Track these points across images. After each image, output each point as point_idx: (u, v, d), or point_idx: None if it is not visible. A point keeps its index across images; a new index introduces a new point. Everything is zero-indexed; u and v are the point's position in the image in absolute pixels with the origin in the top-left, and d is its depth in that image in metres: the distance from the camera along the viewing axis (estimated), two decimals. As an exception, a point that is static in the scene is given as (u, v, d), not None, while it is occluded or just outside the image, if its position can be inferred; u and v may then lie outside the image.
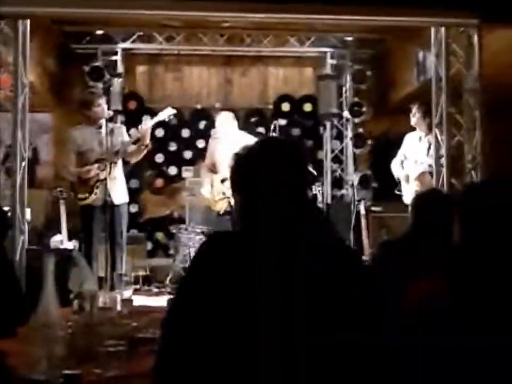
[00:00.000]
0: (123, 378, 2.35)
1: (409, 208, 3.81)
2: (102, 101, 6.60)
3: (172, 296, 2.14)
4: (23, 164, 6.05)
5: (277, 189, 1.97)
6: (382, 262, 3.57)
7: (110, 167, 6.34)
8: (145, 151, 6.54)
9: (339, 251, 2.02)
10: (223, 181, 6.92)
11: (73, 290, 5.47)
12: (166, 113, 6.68)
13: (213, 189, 7.20)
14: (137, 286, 7.43)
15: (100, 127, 6.44)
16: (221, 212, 7.15)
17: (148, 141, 6.47)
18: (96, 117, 6.48)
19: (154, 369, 1.92)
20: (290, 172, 2.01)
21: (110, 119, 7.11)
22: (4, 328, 2.88)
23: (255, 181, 1.98)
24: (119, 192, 6.59)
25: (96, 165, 6.43)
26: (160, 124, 9.10)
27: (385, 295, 2.06)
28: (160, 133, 9.22)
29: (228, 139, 7.10)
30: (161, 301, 6.14)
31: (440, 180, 6.22)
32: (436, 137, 6.28)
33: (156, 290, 7.51)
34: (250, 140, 6.92)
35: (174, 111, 6.79)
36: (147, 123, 6.67)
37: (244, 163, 2.03)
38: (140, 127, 6.64)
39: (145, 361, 2.50)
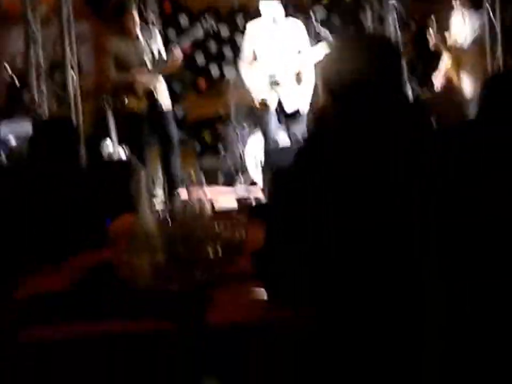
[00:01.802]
0: (225, 280, 2.43)
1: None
2: (134, 9, 6.58)
3: (272, 192, 2.18)
4: (74, 76, 6.03)
5: (377, 86, 1.98)
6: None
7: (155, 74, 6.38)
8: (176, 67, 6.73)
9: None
10: (273, 83, 6.58)
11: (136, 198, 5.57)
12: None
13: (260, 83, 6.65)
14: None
15: (137, 35, 6.46)
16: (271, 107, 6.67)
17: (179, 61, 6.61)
18: (130, 24, 6.49)
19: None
20: (388, 68, 2.01)
21: (146, 23, 7.17)
22: (95, 238, 2.97)
23: (354, 79, 1.98)
24: (164, 98, 6.67)
25: (142, 74, 6.46)
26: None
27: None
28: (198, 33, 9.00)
29: (273, 25, 6.56)
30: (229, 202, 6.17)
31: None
32: (489, 13, 6.10)
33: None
34: (301, 27, 6.69)
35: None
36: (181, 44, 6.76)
37: (340, 62, 2.02)
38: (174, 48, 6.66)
39: (239, 265, 2.57)
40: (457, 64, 6.73)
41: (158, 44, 6.65)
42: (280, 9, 6.59)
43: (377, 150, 1.87)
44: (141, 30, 6.60)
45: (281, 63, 6.52)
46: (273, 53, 6.58)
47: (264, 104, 6.63)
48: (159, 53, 6.58)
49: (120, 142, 7.28)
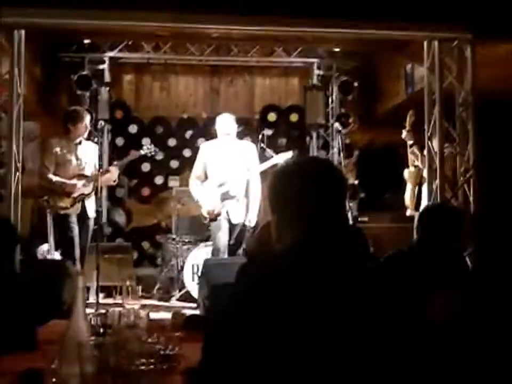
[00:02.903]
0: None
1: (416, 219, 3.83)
2: (87, 118, 6.72)
3: (213, 324, 2.09)
4: (17, 174, 6.02)
5: (321, 209, 2.00)
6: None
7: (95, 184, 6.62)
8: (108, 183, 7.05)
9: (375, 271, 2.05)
10: (226, 197, 6.71)
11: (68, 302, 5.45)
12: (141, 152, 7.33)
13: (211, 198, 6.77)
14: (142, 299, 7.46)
15: (80, 142, 6.70)
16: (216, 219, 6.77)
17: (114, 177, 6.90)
18: (78, 132, 6.67)
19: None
20: (334, 192, 2.04)
21: (96, 129, 7.44)
22: (24, 341, 2.86)
23: (300, 201, 1.99)
24: (92, 205, 6.79)
25: (81, 181, 6.65)
26: (146, 133, 9.22)
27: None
28: (146, 142, 9.03)
29: (226, 143, 6.79)
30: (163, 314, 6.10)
31: (433, 192, 6.27)
32: (429, 149, 6.33)
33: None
34: (252, 147, 6.94)
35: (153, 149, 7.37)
36: (118, 164, 7.11)
37: (288, 183, 2.04)
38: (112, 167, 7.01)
39: (172, 379, 2.50)
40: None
41: (96, 156, 6.76)
42: (234, 127, 6.83)
43: (319, 277, 1.86)
44: (88, 138, 6.85)
45: (232, 178, 6.64)
46: (224, 170, 6.70)
47: (213, 215, 6.70)
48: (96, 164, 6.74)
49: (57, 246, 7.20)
